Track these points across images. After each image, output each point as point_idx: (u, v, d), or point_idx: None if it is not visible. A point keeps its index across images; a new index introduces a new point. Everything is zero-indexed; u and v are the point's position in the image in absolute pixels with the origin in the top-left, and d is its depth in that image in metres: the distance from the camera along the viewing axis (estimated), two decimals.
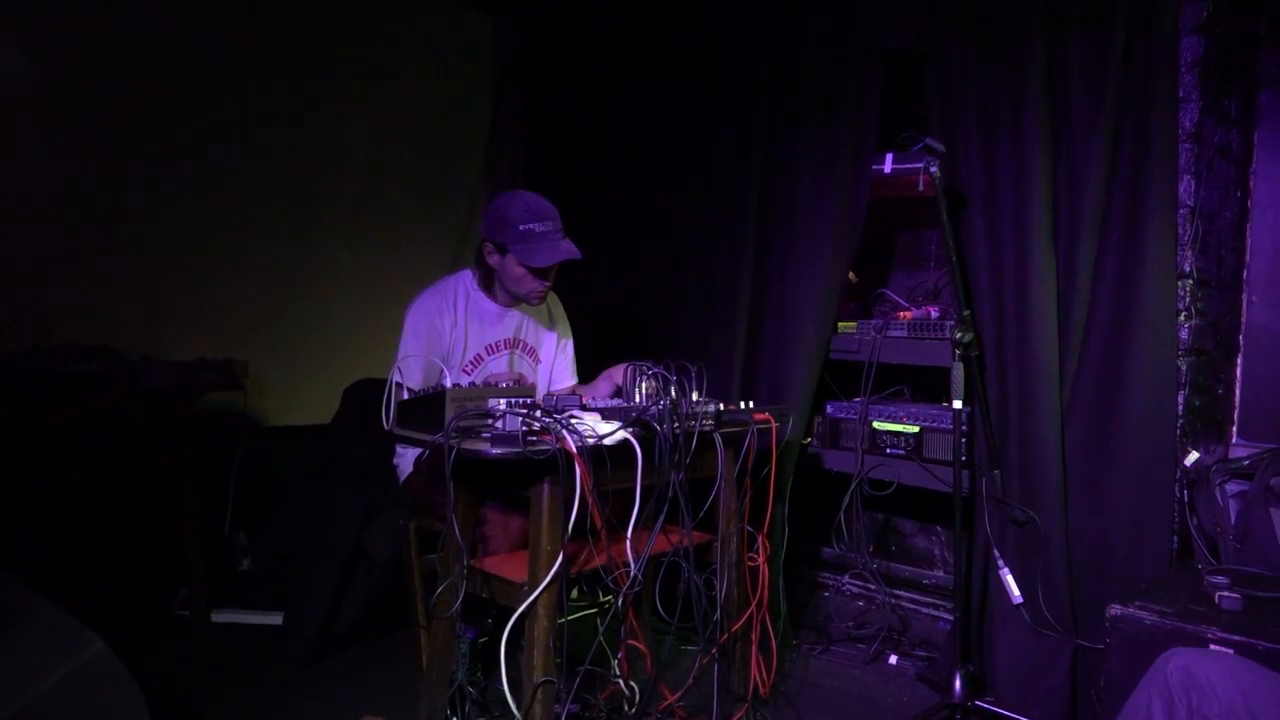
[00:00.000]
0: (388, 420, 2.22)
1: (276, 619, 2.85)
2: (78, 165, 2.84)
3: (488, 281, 2.59)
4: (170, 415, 2.75)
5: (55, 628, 1.66)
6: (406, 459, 2.57)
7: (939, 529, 3.21)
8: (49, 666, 1.56)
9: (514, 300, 2.63)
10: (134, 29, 2.91)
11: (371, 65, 3.49)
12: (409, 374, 2.39)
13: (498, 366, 2.68)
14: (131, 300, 2.95)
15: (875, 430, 2.85)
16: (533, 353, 2.77)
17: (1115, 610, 1.97)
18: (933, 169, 2.35)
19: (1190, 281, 2.36)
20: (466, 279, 2.63)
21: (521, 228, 2.44)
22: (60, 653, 1.59)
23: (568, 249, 2.48)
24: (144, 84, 2.95)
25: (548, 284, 2.54)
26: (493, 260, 2.53)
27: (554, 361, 2.82)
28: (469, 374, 2.59)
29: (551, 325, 2.82)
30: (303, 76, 3.30)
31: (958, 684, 2.37)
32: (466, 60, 3.79)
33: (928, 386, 2.98)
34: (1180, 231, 2.33)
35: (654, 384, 2.14)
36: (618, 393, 2.55)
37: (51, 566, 2.72)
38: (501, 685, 1.95)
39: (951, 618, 2.66)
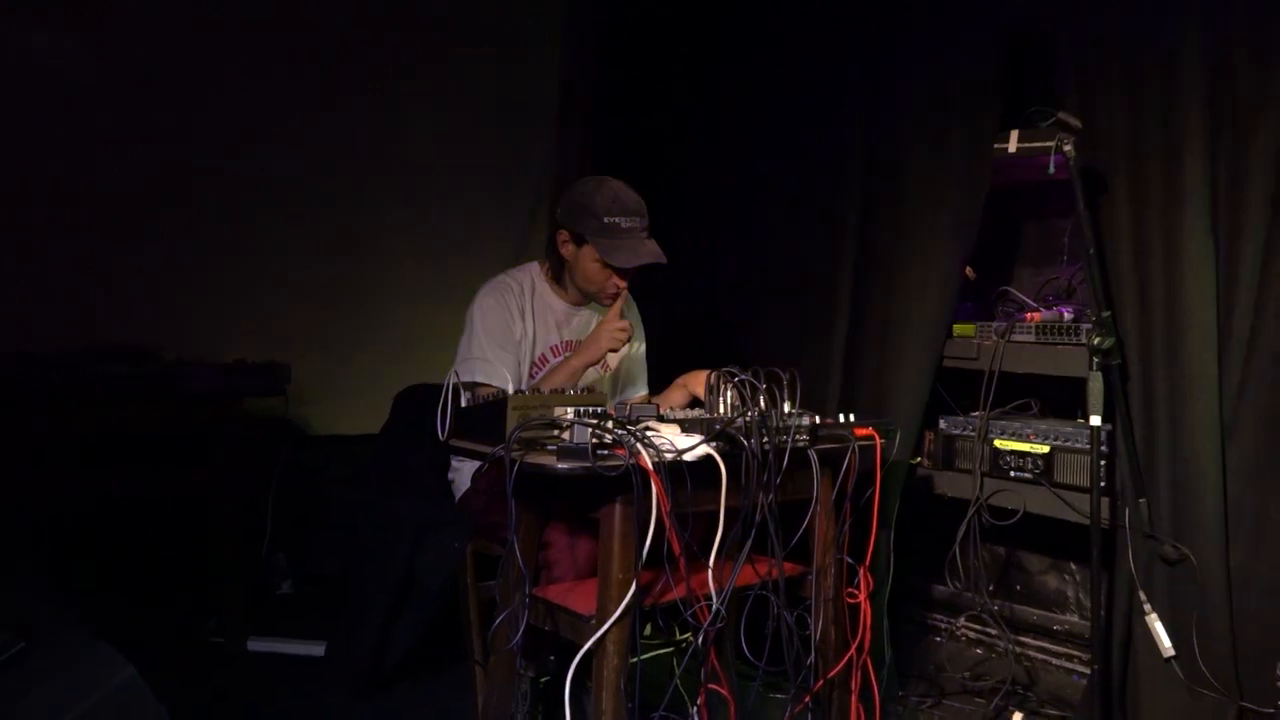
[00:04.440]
0: (443, 430, 2.26)
1: (318, 650, 2.94)
2: (116, 160, 3.00)
3: (558, 274, 2.65)
4: (207, 422, 2.87)
5: (84, 651, 1.75)
6: (464, 473, 2.62)
7: (1073, 566, 3.16)
8: (77, 693, 1.65)
9: (585, 298, 2.69)
10: (171, 15, 3.07)
11: (430, 47, 3.59)
12: (493, 375, 2.45)
13: None
14: (167, 298, 3.10)
15: (997, 450, 2.83)
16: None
17: None
18: (1066, 148, 2.33)
19: None
20: (534, 271, 2.70)
21: (606, 220, 2.49)
22: (88, 679, 1.67)
23: (653, 251, 2.52)
24: (185, 74, 3.10)
25: (625, 285, 2.58)
26: (566, 251, 2.59)
27: (625, 368, 2.86)
28: (533, 377, 2.63)
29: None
30: (357, 61, 3.42)
31: None
32: (535, 39, 3.85)
33: (1059, 400, 2.95)
34: None
35: (740, 393, 2.14)
36: (695, 403, 2.59)
37: (80, 584, 2.85)
38: None
39: (1088, 672, 2.62)
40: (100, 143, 2.99)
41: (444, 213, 3.67)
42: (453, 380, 2.24)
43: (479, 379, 2.47)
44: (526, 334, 2.62)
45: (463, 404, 2.25)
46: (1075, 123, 2.36)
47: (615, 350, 2.58)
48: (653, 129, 3.77)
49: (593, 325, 2.74)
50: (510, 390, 2.12)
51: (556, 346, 2.70)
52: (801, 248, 3.25)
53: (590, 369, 2.66)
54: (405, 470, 2.72)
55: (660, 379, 2.88)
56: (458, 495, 2.66)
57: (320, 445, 3.33)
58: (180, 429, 2.88)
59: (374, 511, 2.76)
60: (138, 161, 3.07)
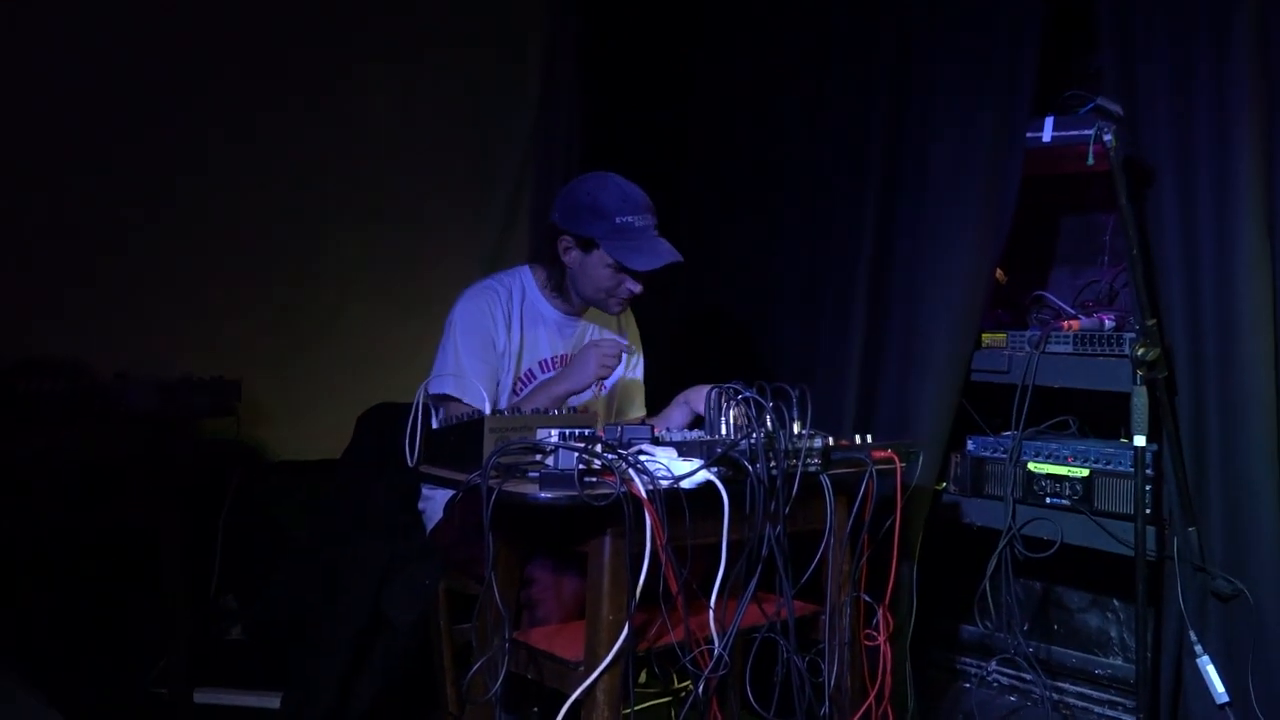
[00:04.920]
0: (412, 455, 2.26)
1: (273, 701, 2.88)
2: (35, 149, 2.95)
3: (556, 282, 2.64)
4: (148, 446, 2.84)
5: (9, 705, 1.71)
6: (435, 503, 2.61)
7: (1116, 603, 3.13)
8: None
9: (584, 307, 2.69)
10: (113, 21, 3.04)
11: (391, 35, 3.57)
12: (466, 390, 2.44)
13: None
14: (105, 307, 3.04)
15: (1031, 473, 2.82)
16: None
17: None
18: (1106, 136, 2.32)
19: None
20: (525, 276, 2.69)
21: (619, 220, 2.49)
22: None
23: (670, 250, 2.53)
24: (125, 76, 3.06)
25: (639, 291, 2.58)
26: (570, 258, 2.57)
27: (621, 386, 2.85)
28: (518, 394, 2.63)
29: (624, 340, 2.83)
30: (309, 54, 3.39)
31: None
32: (510, 20, 3.84)
33: (1100, 417, 2.94)
34: None
35: (744, 412, 2.14)
36: (696, 423, 2.58)
37: (6, 629, 2.80)
38: None
39: None
40: (34, 147, 2.95)
41: (413, 214, 3.63)
42: (422, 397, 2.23)
43: (451, 394, 2.47)
44: (511, 346, 2.60)
45: (434, 425, 2.29)
46: (1116, 109, 2.35)
47: (604, 379, 2.58)
48: (647, 118, 3.75)
49: (588, 338, 2.73)
50: (487, 409, 2.11)
51: (547, 361, 2.68)
52: (813, 247, 3.24)
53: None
54: (370, 500, 2.71)
55: (658, 396, 2.86)
56: (429, 527, 2.64)
57: (275, 472, 3.29)
58: (118, 453, 2.83)
59: (335, 546, 2.74)
60: (74, 163, 3.03)
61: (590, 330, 2.75)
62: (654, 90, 3.76)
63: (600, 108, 3.77)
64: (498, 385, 2.58)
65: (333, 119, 3.44)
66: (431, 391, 2.48)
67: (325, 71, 3.42)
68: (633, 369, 2.88)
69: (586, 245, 2.53)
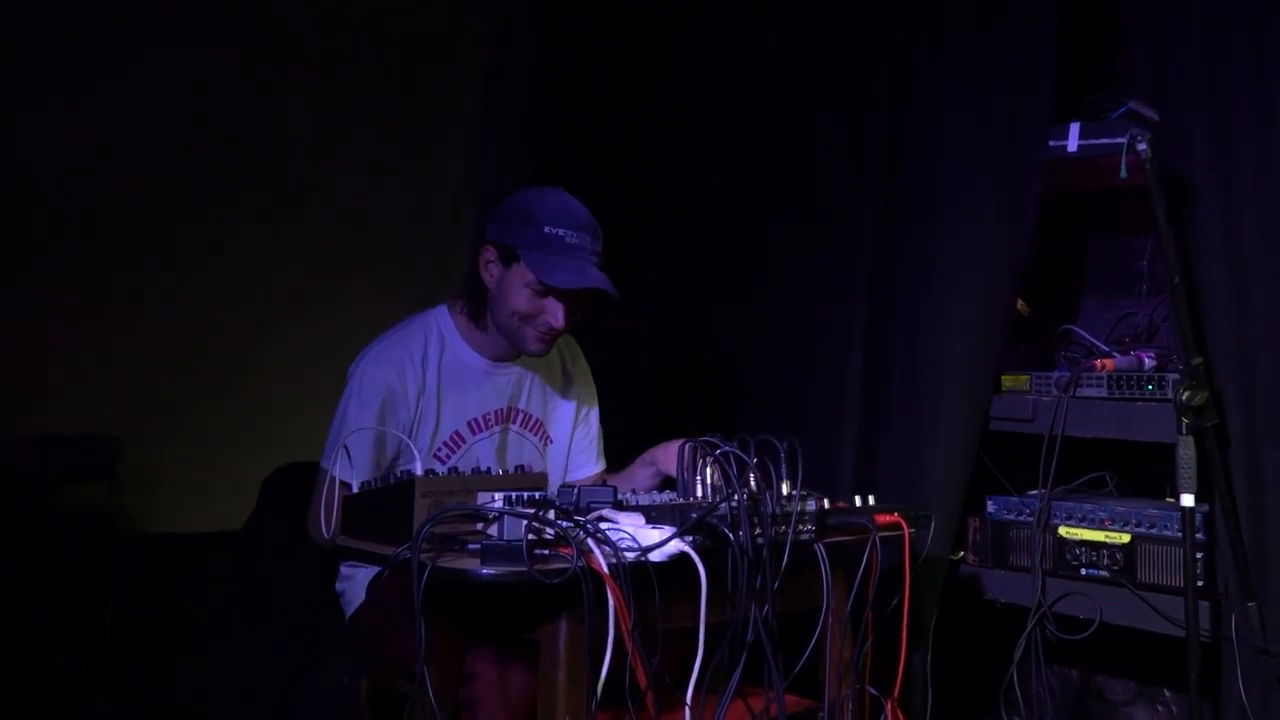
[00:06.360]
0: (327, 527, 2.31)
1: None
2: None
3: (476, 313, 2.65)
4: (9, 516, 2.82)
5: None
6: (356, 582, 2.61)
7: (1167, 694, 3.16)
8: None
9: (512, 349, 2.68)
10: None
11: (313, 31, 3.59)
12: (345, 464, 2.41)
13: (487, 451, 2.71)
14: None
15: (1063, 540, 2.83)
16: (539, 429, 2.84)
17: None
18: (1140, 145, 2.35)
19: None
20: (442, 320, 2.70)
21: (547, 230, 2.51)
22: None
23: (598, 278, 2.53)
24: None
25: (560, 325, 2.56)
26: (490, 275, 2.59)
27: (572, 440, 2.88)
28: (444, 461, 2.64)
29: (568, 387, 2.88)
30: (216, 47, 3.40)
31: None
32: (451, 13, 3.87)
33: (1141, 473, 2.98)
34: None
35: (724, 470, 2.13)
36: (666, 484, 2.60)
37: None
38: None
39: None
40: None
41: (339, 233, 3.64)
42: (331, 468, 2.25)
43: (337, 474, 2.45)
44: (425, 415, 2.62)
45: (354, 489, 2.25)
46: (1151, 114, 2.38)
47: None
48: (611, 127, 3.80)
49: (526, 387, 2.77)
50: (417, 469, 2.12)
51: (478, 421, 2.71)
52: (803, 279, 3.28)
53: (524, 438, 2.69)
54: (278, 579, 2.71)
55: (620, 453, 2.88)
56: (348, 612, 2.64)
57: (162, 547, 3.25)
58: None
59: (236, 637, 2.74)
60: None
61: (530, 380, 2.78)
62: (619, 95, 3.79)
63: (556, 112, 3.79)
64: (395, 462, 2.59)
65: (241, 120, 3.44)
66: (324, 465, 2.50)
67: (233, 64, 3.41)
68: (585, 421, 2.91)
69: (507, 257, 2.54)
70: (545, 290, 2.53)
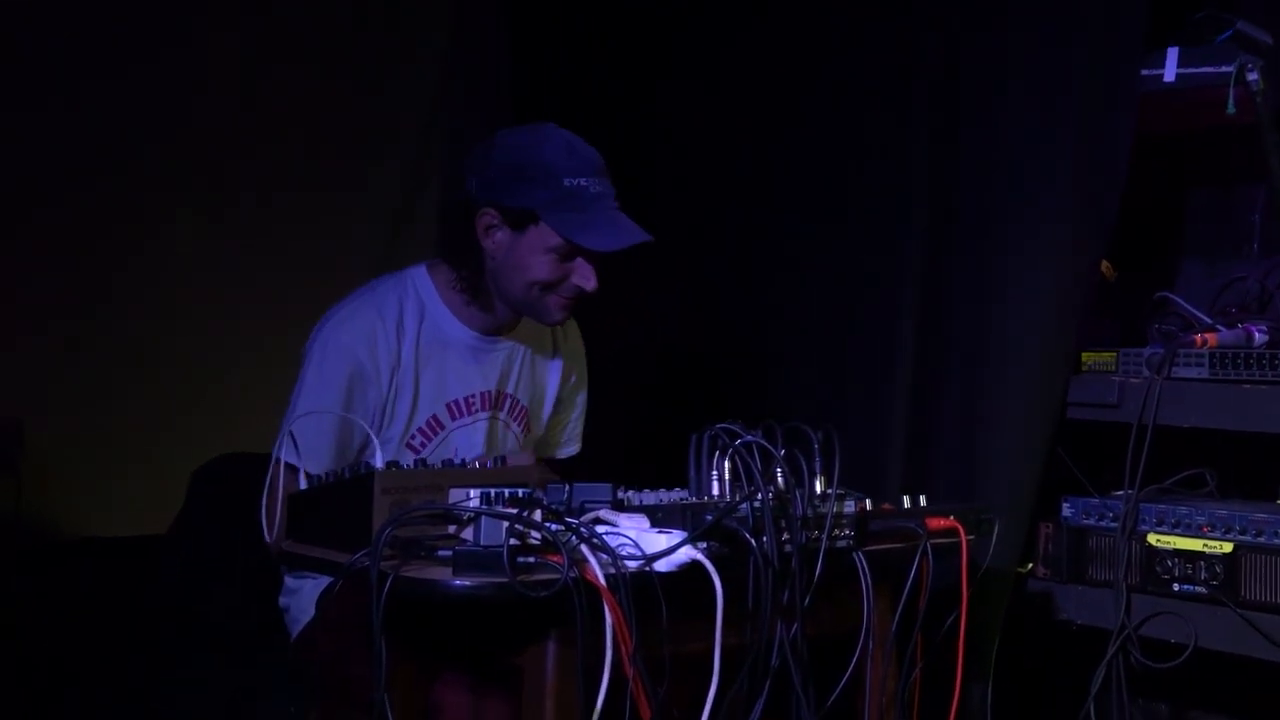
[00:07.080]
0: (270, 530, 2.27)
1: None
2: None
3: (470, 284, 2.61)
4: None
5: None
6: (303, 596, 2.60)
7: None
8: None
9: (512, 320, 2.69)
10: None
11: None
12: (308, 449, 2.39)
13: (468, 441, 2.71)
14: None
15: (1152, 549, 2.80)
16: (524, 416, 2.84)
17: None
18: (1251, 75, 2.36)
19: None
20: (421, 283, 2.68)
21: (568, 182, 2.49)
22: None
23: (635, 230, 2.53)
24: None
25: (593, 287, 2.57)
26: (494, 241, 2.56)
27: (552, 419, 2.92)
28: (418, 451, 2.64)
29: (558, 364, 2.90)
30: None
31: None
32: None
33: (1247, 470, 2.97)
34: None
35: (744, 464, 2.11)
36: (677, 480, 2.51)
37: None
38: None
39: None
40: None
41: (279, 184, 3.67)
42: (283, 455, 2.28)
43: (290, 461, 2.41)
44: (400, 394, 2.61)
45: (301, 484, 2.23)
46: (1265, 37, 2.42)
47: None
48: (605, 60, 3.81)
49: (516, 367, 2.77)
50: (378, 462, 2.10)
51: (458, 403, 2.70)
52: (840, 249, 3.27)
53: (499, 426, 2.73)
54: (211, 593, 2.69)
55: (622, 451, 2.97)
56: (294, 633, 2.64)
57: (73, 554, 3.27)
58: None
59: (159, 663, 2.72)
60: None
61: (521, 354, 2.77)
62: (619, 25, 3.78)
63: (537, 41, 3.81)
64: (363, 451, 2.56)
65: (163, 54, 3.46)
66: (277, 454, 2.45)
67: (166, 22, 3.46)
68: (575, 405, 2.95)
69: (519, 221, 2.51)
70: (574, 251, 2.53)
